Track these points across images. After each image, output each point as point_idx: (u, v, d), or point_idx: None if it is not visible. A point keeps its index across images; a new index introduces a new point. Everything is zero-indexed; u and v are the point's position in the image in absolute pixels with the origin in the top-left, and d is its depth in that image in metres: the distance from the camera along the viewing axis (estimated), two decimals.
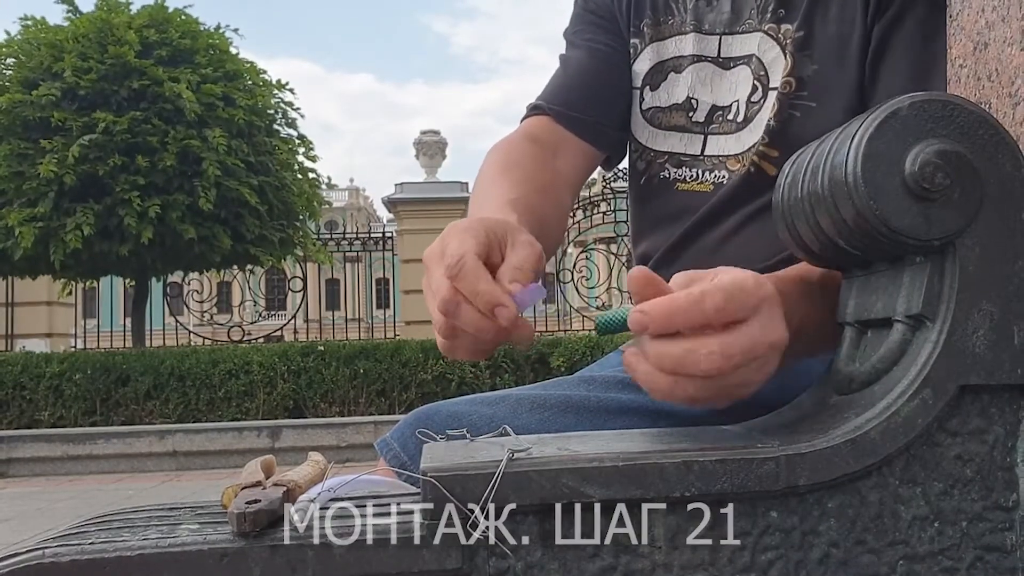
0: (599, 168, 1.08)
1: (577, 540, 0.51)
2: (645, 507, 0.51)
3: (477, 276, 0.58)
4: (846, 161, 0.54)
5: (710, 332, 0.54)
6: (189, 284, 8.91)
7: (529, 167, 0.94)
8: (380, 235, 10.08)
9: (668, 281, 1.00)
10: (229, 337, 8.22)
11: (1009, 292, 0.53)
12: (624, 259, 9.08)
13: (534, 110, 1.03)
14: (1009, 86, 0.66)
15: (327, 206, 10.88)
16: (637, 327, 0.55)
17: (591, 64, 1.02)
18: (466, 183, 10.13)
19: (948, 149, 0.52)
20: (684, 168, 0.96)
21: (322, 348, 6.40)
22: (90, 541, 0.49)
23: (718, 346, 0.54)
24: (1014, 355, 0.53)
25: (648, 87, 1.00)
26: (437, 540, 0.49)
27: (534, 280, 0.61)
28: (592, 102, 1.00)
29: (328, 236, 9.86)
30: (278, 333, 9.86)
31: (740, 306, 0.55)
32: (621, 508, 0.51)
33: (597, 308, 8.90)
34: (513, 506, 0.50)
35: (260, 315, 10.07)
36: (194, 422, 5.96)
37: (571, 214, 7.06)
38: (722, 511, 0.51)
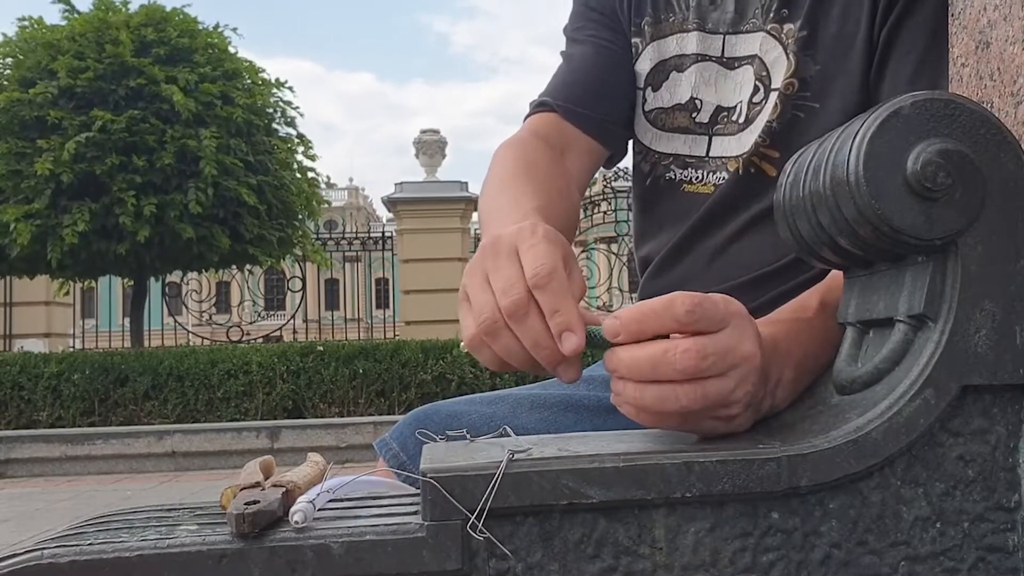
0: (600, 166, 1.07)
1: (577, 541, 0.51)
2: (646, 508, 0.51)
3: (563, 295, 0.56)
4: (848, 160, 0.53)
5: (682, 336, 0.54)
6: (188, 284, 8.92)
7: (545, 169, 0.92)
8: (380, 235, 10.08)
9: (671, 281, 1.00)
10: (228, 337, 8.22)
11: (1011, 292, 0.53)
12: (625, 259, 9.08)
13: (540, 106, 1.01)
14: (1011, 85, 0.65)
15: (326, 206, 10.87)
16: (610, 332, 0.55)
17: (596, 60, 1.01)
18: (466, 183, 10.11)
19: (950, 148, 0.52)
20: (690, 169, 0.96)
21: (321, 348, 6.40)
22: (89, 542, 0.49)
23: (692, 343, 0.53)
24: (1016, 355, 0.52)
25: (650, 87, 0.99)
26: (437, 541, 0.49)
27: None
28: (599, 99, 0.99)
29: (327, 236, 9.86)
30: (277, 333, 9.85)
31: (709, 315, 0.54)
32: (622, 509, 0.51)
33: (597, 308, 8.90)
34: (513, 507, 0.49)
35: (259, 315, 10.08)
36: (193, 422, 5.95)
37: None
38: (723, 512, 0.51)
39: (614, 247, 9.49)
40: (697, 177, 0.95)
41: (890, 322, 0.56)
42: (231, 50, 8.03)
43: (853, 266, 0.62)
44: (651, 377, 0.54)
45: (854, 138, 0.54)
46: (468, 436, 0.59)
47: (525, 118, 1.02)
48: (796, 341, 0.64)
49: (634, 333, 0.54)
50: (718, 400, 0.54)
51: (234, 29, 8.16)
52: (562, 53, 1.06)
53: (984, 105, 0.63)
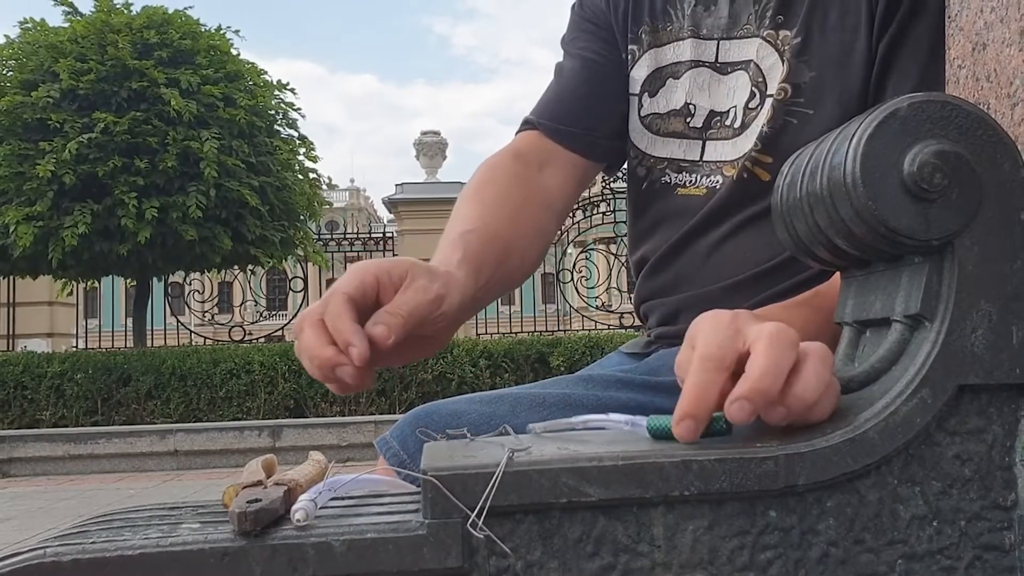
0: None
1: (576, 539, 0.51)
2: (644, 506, 0.51)
3: (338, 317, 0.62)
4: (845, 161, 0.54)
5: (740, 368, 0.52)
6: (190, 284, 8.91)
7: (502, 186, 0.93)
8: (380, 235, 10.08)
9: (666, 280, 1.01)
10: (230, 337, 8.22)
11: (1008, 292, 0.53)
12: (624, 259, 9.08)
13: (525, 125, 1.03)
14: (1008, 87, 0.66)
15: (328, 206, 10.87)
16: (690, 435, 0.51)
17: (583, 74, 1.02)
18: (466, 184, 10.12)
19: (947, 150, 0.52)
20: (684, 173, 0.97)
21: None
22: (91, 540, 0.50)
23: (771, 327, 0.51)
24: (1012, 355, 0.53)
25: (647, 93, 1.00)
26: (437, 539, 0.49)
27: (405, 322, 0.64)
28: (584, 113, 1.00)
29: (329, 236, 9.86)
30: (279, 333, 9.85)
31: (721, 337, 0.52)
32: (621, 507, 0.51)
33: (596, 308, 8.89)
34: (513, 505, 0.50)
35: (261, 315, 10.06)
36: (195, 422, 5.97)
37: (571, 214, 7.06)
38: (721, 510, 0.52)
39: (613, 247, 9.48)
40: (691, 181, 0.96)
41: (887, 322, 0.56)
42: (233, 52, 8.03)
43: (850, 266, 0.62)
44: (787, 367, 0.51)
45: (851, 139, 0.54)
46: (468, 435, 0.59)
47: (516, 134, 1.04)
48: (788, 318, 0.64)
49: (707, 409, 0.52)
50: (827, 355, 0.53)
51: (236, 31, 8.17)
52: (555, 66, 1.07)
53: (980, 107, 0.63)
